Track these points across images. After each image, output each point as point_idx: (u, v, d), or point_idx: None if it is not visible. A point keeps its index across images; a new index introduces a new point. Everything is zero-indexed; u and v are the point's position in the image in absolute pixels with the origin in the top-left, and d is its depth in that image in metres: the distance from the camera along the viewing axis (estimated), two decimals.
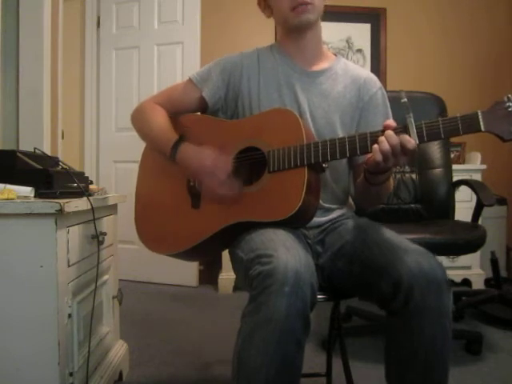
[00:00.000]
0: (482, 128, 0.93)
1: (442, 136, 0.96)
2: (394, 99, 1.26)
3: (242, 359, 0.90)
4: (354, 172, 1.29)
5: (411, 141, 0.96)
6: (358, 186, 1.24)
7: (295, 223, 1.10)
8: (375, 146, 0.99)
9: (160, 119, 1.26)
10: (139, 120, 1.32)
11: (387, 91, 1.32)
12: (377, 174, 1.07)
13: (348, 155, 1.05)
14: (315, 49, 1.27)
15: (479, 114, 0.93)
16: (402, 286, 0.93)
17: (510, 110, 0.93)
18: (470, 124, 0.94)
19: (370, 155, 1.03)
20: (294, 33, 1.24)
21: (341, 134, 1.20)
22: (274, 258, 0.89)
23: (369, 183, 1.11)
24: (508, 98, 0.94)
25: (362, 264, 1.04)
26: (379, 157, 0.97)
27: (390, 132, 0.98)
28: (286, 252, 0.91)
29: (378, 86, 1.28)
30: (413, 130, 0.97)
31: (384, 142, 0.97)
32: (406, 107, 0.98)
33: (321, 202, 1.18)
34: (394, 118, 1.17)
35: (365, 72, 1.31)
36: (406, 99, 1.00)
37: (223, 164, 1.13)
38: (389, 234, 1.09)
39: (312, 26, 1.22)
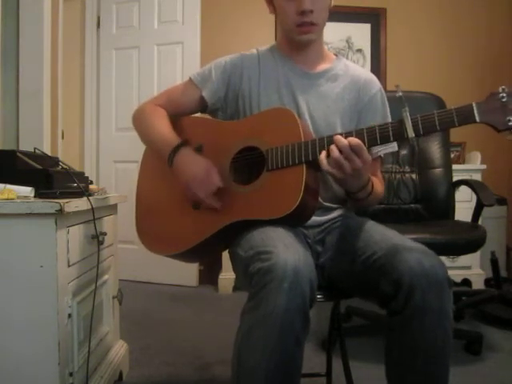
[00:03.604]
0: (477, 119, 0.94)
1: (438, 128, 0.97)
2: (393, 99, 1.26)
3: (241, 356, 0.90)
4: None
5: (356, 139, 0.99)
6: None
7: (294, 221, 1.10)
8: (323, 159, 1.02)
9: (160, 122, 1.26)
10: (140, 123, 1.32)
11: (387, 91, 1.32)
12: (354, 193, 1.11)
13: None
14: (316, 52, 1.28)
15: (474, 105, 0.94)
16: (403, 285, 0.93)
17: (504, 100, 0.93)
18: (465, 116, 0.95)
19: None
20: (294, 43, 1.24)
21: None
22: (273, 254, 0.90)
23: (352, 199, 1.15)
24: (503, 89, 0.94)
25: (363, 263, 1.04)
26: (331, 165, 1.01)
27: (337, 136, 1.01)
28: (286, 249, 0.91)
29: (378, 87, 1.28)
30: (408, 123, 0.98)
31: (334, 149, 1.00)
32: (402, 101, 0.99)
33: (321, 201, 1.19)
34: (394, 117, 1.18)
35: (365, 72, 1.31)
36: (401, 93, 1.00)
37: (211, 181, 1.14)
38: (391, 233, 1.09)
39: (313, 42, 1.24)
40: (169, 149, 1.18)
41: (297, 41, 1.21)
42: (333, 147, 1.01)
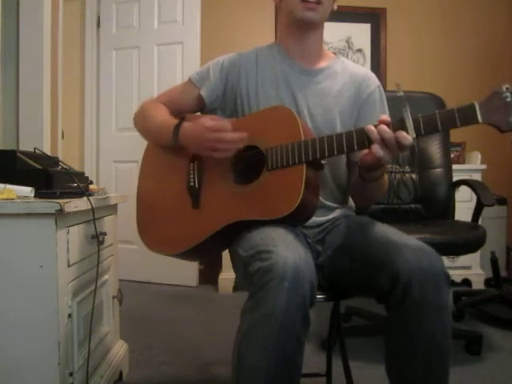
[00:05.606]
0: (480, 119, 0.91)
1: (440, 129, 0.95)
2: (394, 98, 1.26)
3: (241, 355, 0.91)
4: (349, 170, 1.29)
5: (407, 137, 0.96)
6: (352, 184, 1.25)
7: (295, 221, 1.10)
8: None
9: (161, 112, 1.28)
10: (141, 118, 1.33)
11: (387, 91, 1.32)
12: (371, 171, 1.08)
13: (345, 151, 1.05)
14: (316, 48, 1.28)
15: (476, 105, 0.92)
16: (400, 280, 0.93)
17: (508, 100, 0.90)
18: (467, 116, 0.92)
19: (365, 151, 1.03)
20: (296, 28, 1.24)
21: None
22: (273, 253, 0.90)
23: (363, 180, 1.12)
24: (507, 88, 0.91)
25: (362, 261, 1.05)
26: (380, 152, 0.98)
27: (383, 127, 0.98)
28: (286, 248, 0.91)
29: (377, 84, 1.29)
30: (409, 123, 0.96)
31: (383, 130, 0.97)
32: (403, 101, 0.97)
33: (321, 199, 1.19)
34: (393, 117, 1.17)
35: (363, 70, 1.32)
36: (402, 93, 0.99)
37: (221, 124, 1.12)
38: (389, 230, 1.09)
39: (315, 27, 1.23)
40: (172, 127, 1.19)
41: (300, 19, 1.19)
42: (378, 133, 0.98)
